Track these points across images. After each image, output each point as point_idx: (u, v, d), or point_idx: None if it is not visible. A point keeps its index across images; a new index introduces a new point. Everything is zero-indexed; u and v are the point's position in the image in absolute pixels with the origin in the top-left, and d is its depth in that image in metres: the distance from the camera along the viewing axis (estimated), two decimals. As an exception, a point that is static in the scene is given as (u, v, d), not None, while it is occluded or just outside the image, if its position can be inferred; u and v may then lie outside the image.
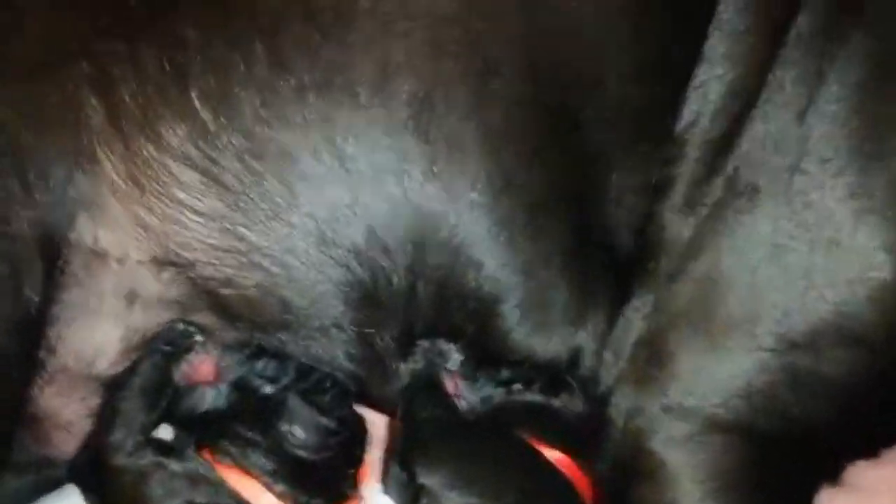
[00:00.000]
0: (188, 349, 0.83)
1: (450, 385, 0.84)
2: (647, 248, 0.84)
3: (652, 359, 0.81)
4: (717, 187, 0.80)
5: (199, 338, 0.82)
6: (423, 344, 0.83)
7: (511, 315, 0.82)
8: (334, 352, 0.83)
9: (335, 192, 0.77)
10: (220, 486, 0.75)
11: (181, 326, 0.81)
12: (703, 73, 0.81)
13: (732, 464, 0.77)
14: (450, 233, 0.78)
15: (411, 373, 0.83)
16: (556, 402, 0.83)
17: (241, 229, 0.76)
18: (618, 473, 0.81)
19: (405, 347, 0.83)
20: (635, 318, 0.83)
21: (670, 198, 0.82)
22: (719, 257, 0.79)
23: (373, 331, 0.81)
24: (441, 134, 0.77)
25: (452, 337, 0.83)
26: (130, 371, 0.81)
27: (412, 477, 0.77)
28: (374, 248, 0.77)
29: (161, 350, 0.81)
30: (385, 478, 0.82)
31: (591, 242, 0.84)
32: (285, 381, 0.83)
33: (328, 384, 0.84)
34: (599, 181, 0.83)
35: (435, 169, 0.77)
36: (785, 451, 0.78)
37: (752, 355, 0.77)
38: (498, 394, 0.84)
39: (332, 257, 0.77)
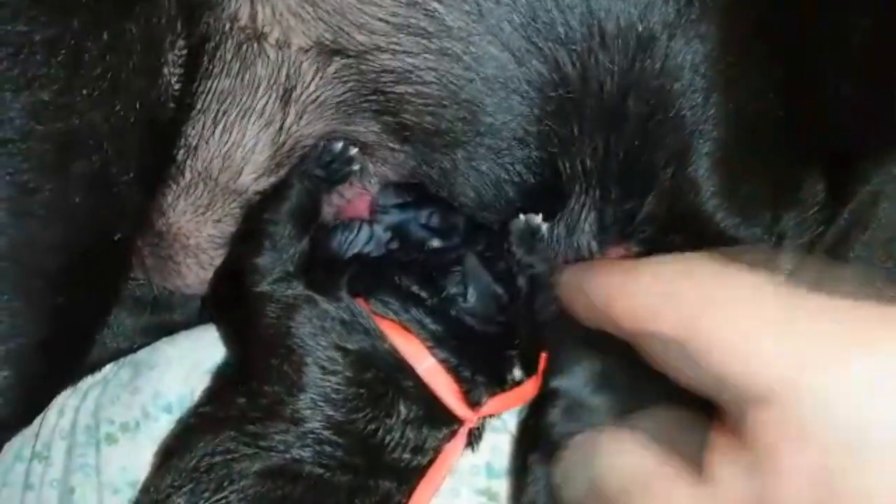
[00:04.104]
0: (344, 177, 0.71)
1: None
2: None
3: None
4: None
5: (356, 165, 0.70)
6: None
7: (714, 164, 0.68)
8: (510, 180, 0.70)
9: None
10: (377, 338, 0.63)
11: (338, 147, 0.69)
12: None
13: None
14: (679, 36, 0.64)
15: None
16: None
17: (433, 3, 0.63)
18: None
19: (596, 182, 0.69)
20: (871, 202, 0.68)
21: None
22: None
23: (562, 153, 0.68)
24: None
25: (645, 183, 0.69)
26: (276, 195, 0.70)
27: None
28: (592, 37, 0.64)
29: (313, 174, 0.69)
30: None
31: (827, 92, 0.69)
32: (456, 238, 0.71)
33: (499, 249, 0.71)
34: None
35: None
36: None
37: None
38: None
39: (538, 46, 0.64)
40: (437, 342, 0.64)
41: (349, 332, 0.63)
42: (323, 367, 0.62)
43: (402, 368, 0.63)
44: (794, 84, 0.68)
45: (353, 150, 0.69)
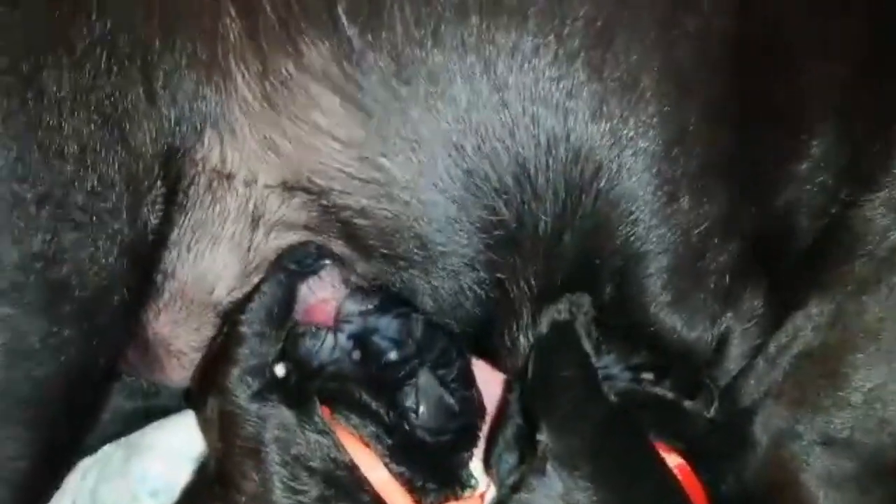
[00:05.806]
0: (315, 270, 0.77)
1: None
2: (836, 245, 0.73)
3: (820, 378, 0.71)
4: None
5: (327, 261, 0.76)
6: (570, 297, 0.75)
7: (656, 280, 0.74)
8: (464, 294, 0.76)
9: (487, 124, 0.69)
10: (339, 454, 0.70)
11: (312, 247, 0.75)
12: None
13: None
14: (609, 181, 0.70)
15: (552, 323, 0.75)
16: (688, 404, 0.75)
17: (381, 159, 0.70)
18: (751, 501, 0.73)
19: (541, 297, 0.75)
20: (806, 326, 0.73)
21: (883, 187, 0.72)
22: None
23: (509, 277, 0.74)
24: (617, 70, 0.69)
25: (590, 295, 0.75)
26: (253, 292, 0.75)
27: (530, 431, 0.71)
28: (523, 189, 0.70)
29: (287, 268, 0.75)
30: (493, 446, 0.78)
31: (763, 218, 0.74)
32: (411, 346, 0.77)
33: (453, 354, 0.78)
34: (792, 148, 0.73)
35: (604, 109, 0.69)
36: None
37: None
38: (624, 378, 0.76)
39: (476, 195, 0.71)
40: (392, 455, 0.71)
41: (314, 451, 0.69)
42: (291, 488, 0.68)
43: (359, 483, 0.69)
44: (738, 209, 0.74)
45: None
